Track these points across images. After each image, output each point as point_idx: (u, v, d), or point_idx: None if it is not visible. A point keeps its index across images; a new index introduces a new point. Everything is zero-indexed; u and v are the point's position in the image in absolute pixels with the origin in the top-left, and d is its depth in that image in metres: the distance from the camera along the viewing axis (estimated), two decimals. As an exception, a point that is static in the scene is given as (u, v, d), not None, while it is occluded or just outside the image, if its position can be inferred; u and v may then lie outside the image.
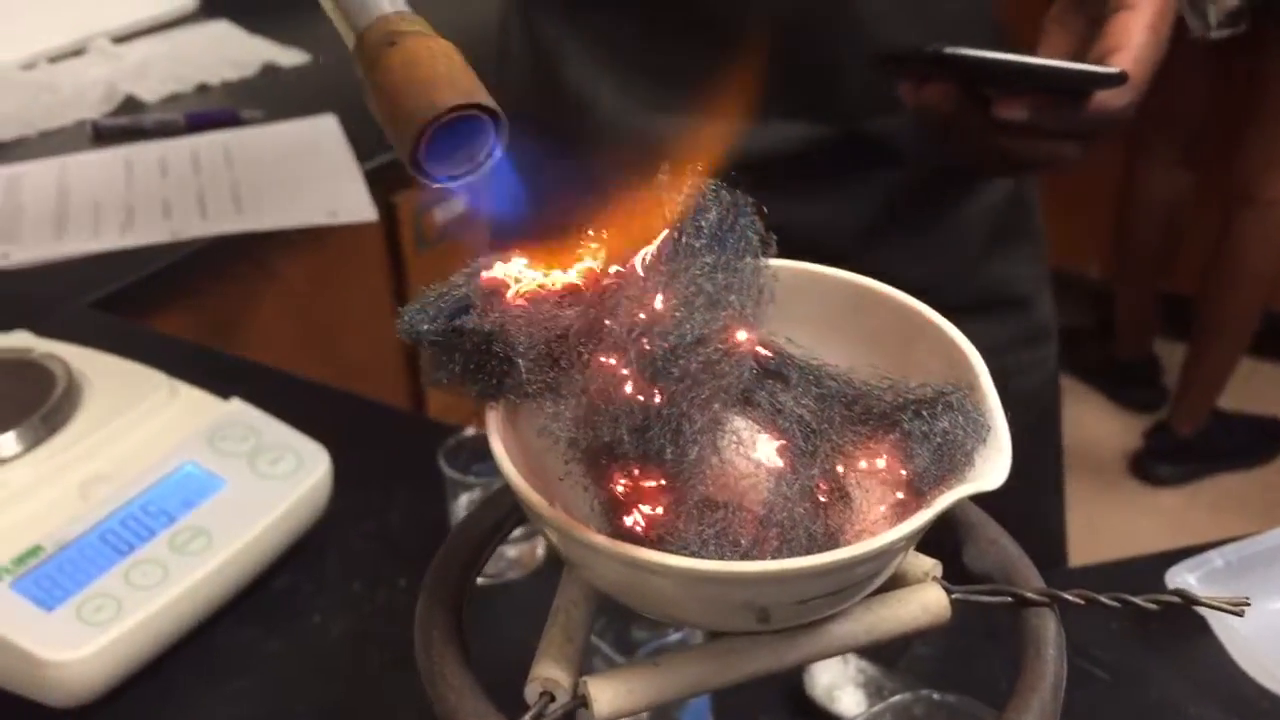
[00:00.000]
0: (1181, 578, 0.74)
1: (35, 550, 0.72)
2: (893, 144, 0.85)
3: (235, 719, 0.72)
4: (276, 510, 0.78)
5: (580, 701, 0.37)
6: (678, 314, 0.34)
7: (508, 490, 0.43)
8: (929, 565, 0.41)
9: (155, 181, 1.32)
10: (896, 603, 0.40)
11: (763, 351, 0.38)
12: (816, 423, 0.37)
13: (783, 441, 0.37)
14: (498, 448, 0.37)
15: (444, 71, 0.35)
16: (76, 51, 1.66)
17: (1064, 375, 2.84)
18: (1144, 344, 2.64)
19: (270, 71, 1.63)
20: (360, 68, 0.36)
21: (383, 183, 1.32)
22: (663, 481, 0.34)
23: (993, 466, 0.36)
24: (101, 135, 1.44)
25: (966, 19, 0.86)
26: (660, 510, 0.34)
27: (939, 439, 0.36)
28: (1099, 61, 0.69)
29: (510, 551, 0.80)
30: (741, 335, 0.35)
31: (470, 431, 0.82)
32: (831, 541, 0.36)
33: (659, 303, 0.34)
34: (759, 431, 0.37)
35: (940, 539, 0.41)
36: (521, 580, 0.80)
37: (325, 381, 1.03)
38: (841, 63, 0.81)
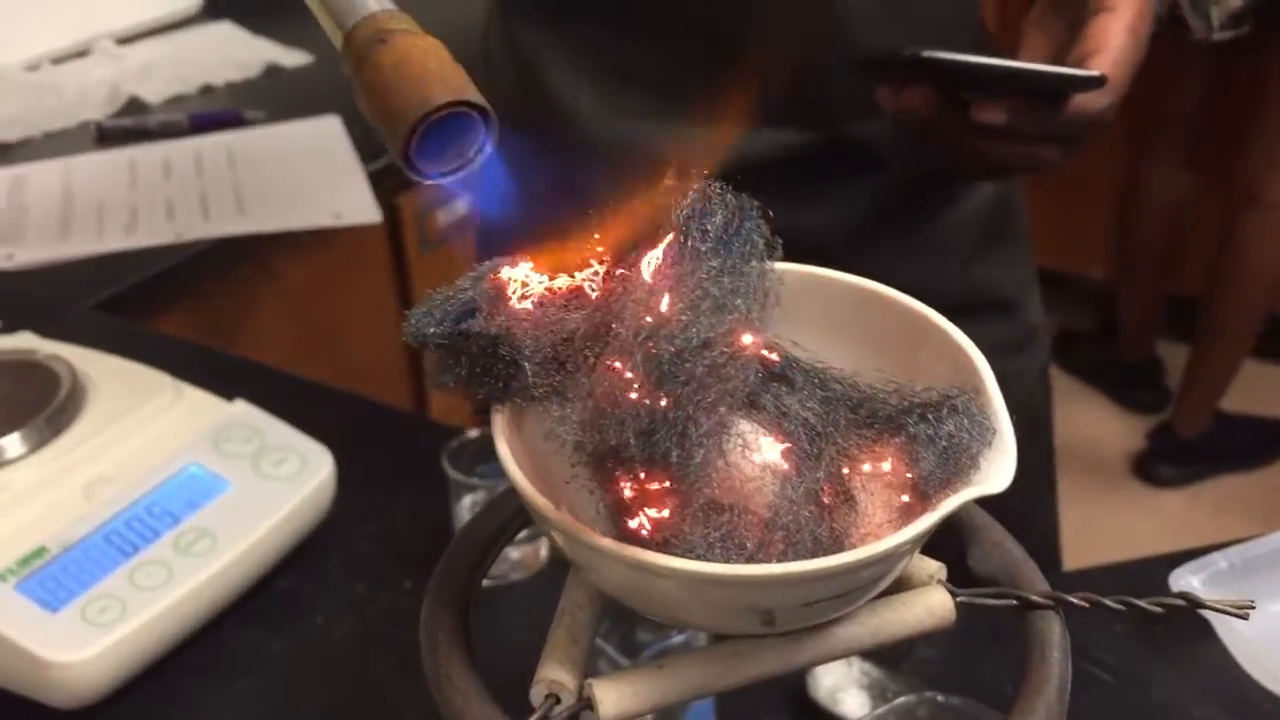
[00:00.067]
0: (1185, 580, 0.74)
1: (40, 551, 0.72)
2: (877, 149, 0.85)
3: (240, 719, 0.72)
4: (280, 512, 0.78)
5: (585, 704, 0.37)
6: (684, 318, 0.34)
7: (512, 493, 0.43)
8: (934, 568, 0.41)
9: (159, 183, 1.32)
10: (902, 605, 0.40)
11: (768, 355, 0.39)
12: (822, 426, 0.37)
13: (788, 445, 0.37)
14: (504, 451, 0.37)
15: (434, 69, 0.35)
16: (80, 53, 1.66)
17: (1066, 376, 2.85)
18: (1147, 345, 2.64)
19: (273, 72, 1.63)
20: (349, 66, 0.37)
21: (386, 184, 1.32)
22: (668, 484, 0.34)
23: (998, 469, 0.36)
24: (105, 136, 1.44)
25: (951, 23, 0.86)
26: (666, 513, 0.34)
27: (944, 442, 0.36)
28: (1078, 64, 0.69)
29: (514, 553, 0.80)
30: (747, 339, 0.35)
31: (473, 433, 0.82)
32: (837, 545, 0.36)
33: (665, 306, 0.35)
34: (764, 435, 0.37)
35: (945, 542, 0.41)
36: (525, 581, 0.80)
37: (328, 383, 1.04)
38: (825, 68, 0.81)
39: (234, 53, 1.67)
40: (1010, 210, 0.94)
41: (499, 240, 0.39)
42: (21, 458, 0.77)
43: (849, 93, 0.79)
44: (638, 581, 0.36)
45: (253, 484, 0.79)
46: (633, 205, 0.37)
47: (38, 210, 1.28)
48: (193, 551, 0.74)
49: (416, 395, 1.49)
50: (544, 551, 0.81)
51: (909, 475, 0.36)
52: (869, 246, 0.84)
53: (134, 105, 1.54)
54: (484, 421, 0.83)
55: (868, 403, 0.38)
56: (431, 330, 0.37)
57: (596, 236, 0.38)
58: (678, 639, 0.67)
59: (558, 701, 0.38)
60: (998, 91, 0.68)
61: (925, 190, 0.88)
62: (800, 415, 0.37)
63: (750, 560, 0.34)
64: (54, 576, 0.71)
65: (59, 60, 1.64)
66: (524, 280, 0.38)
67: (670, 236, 0.36)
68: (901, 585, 0.41)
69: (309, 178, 1.35)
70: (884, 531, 0.36)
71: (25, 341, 0.88)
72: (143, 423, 0.80)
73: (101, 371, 0.84)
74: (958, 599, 0.41)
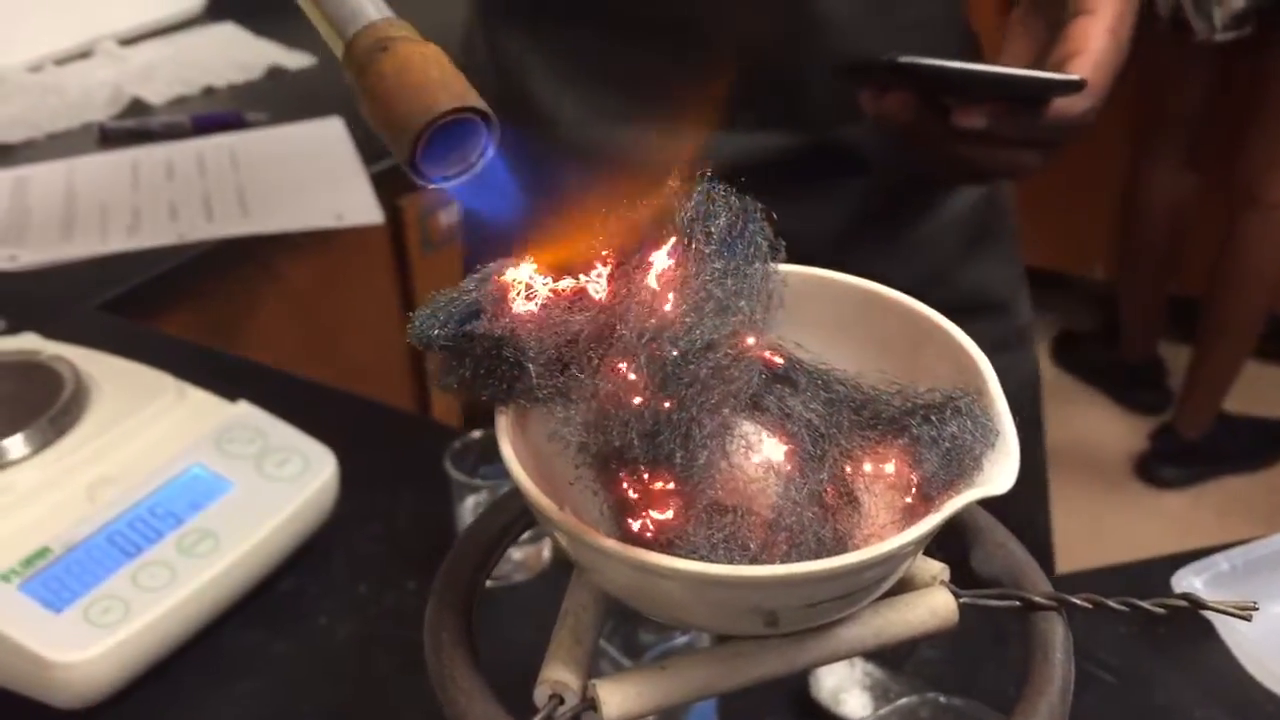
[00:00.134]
0: (1188, 581, 0.74)
1: (43, 552, 0.72)
2: (862, 152, 0.84)
3: (242, 721, 0.72)
4: (283, 512, 0.78)
5: (589, 704, 0.37)
6: (688, 319, 0.34)
7: (515, 494, 0.43)
8: (937, 569, 0.41)
9: (161, 184, 1.33)
10: (905, 606, 0.40)
11: (771, 357, 0.39)
12: (825, 427, 0.38)
13: (791, 446, 0.37)
14: (508, 452, 0.37)
15: (437, 76, 0.35)
16: (83, 54, 1.66)
17: (1068, 377, 2.85)
18: (1149, 346, 2.64)
19: (276, 74, 1.63)
20: (350, 74, 0.37)
21: (388, 185, 1.32)
22: (672, 486, 0.34)
23: (1001, 471, 0.36)
24: (108, 138, 1.44)
25: (935, 25, 0.85)
26: (669, 514, 0.34)
27: (947, 444, 0.36)
28: (1058, 67, 0.69)
29: (517, 554, 0.80)
30: (751, 340, 0.35)
31: (476, 434, 0.82)
32: (840, 546, 0.36)
33: (669, 308, 0.35)
34: (768, 436, 0.37)
35: (948, 543, 0.41)
36: (528, 583, 0.80)
37: (331, 384, 1.04)
38: (808, 72, 0.80)
39: (236, 54, 1.67)
40: (997, 211, 0.94)
41: (487, 242, 0.40)
42: (25, 458, 0.77)
43: (833, 96, 0.79)
44: (641, 582, 0.36)
45: (256, 485, 0.79)
46: (619, 209, 0.37)
47: (41, 211, 1.28)
48: (196, 552, 0.75)
49: (419, 396, 1.49)
50: (547, 552, 0.81)
51: (912, 476, 0.37)
52: (855, 249, 0.84)
53: (137, 106, 1.54)
54: (472, 429, 0.83)
55: (871, 404, 0.38)
56: (436, 332, 0.37)
57: (596, 238, 0.38)
58: (681, 640, 0.67)
59: (561, 702, 0.38)
60: (977, 96, 0.68)
61: (911, 193, 0.88)
62: (804, 417, 0.37)
63: (754, 561, 0.34)
64: (57, 577, 0.71)
65: (62, 61, 1.64)
66: (528, 282, 0.38)
67: (674, 238, 0.36)
68: (904, 586, 0.41)
69: (311, 179, 1.35)
70: (887, 533, 0.36)
71: (29, 342, 0.88)
72: (146, 423, 0.81)
73: (105, 372, 0.84)
74: (961, 600, 0.41)
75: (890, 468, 0.37)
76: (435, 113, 0.34)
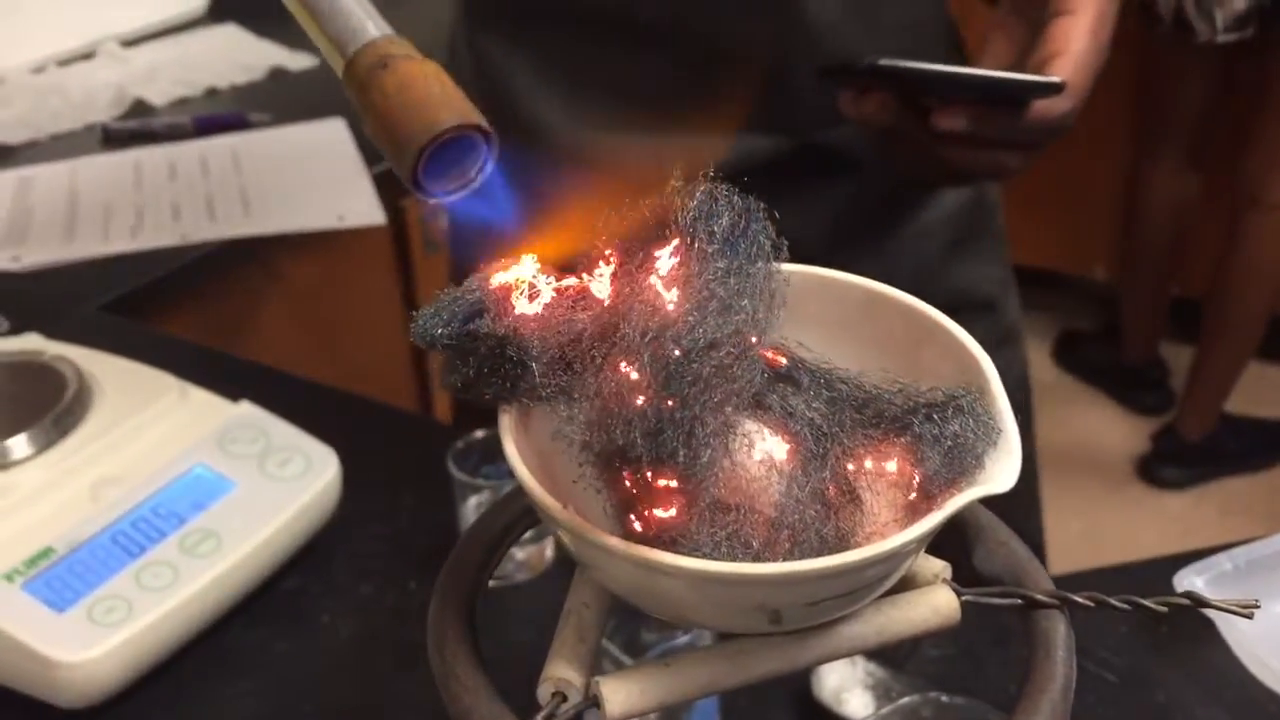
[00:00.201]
0: (1190, 581, 0.74)
1: (46, 552, 0.72)
2: (849, 154, 0.84)
3: (245, 719, 0.73)
4: (286, 512, 0.78)
5: (592, 701, 0.37)
6: (690, 318, 0.34)
7: (518, 493, 0.44)
8: (939, 567, 0.41)
9: (164, 184, 1.33)
10: (907, 604, 0.40)
11: (774, 356, 0.39)
12: (827, 426, 0.38)
13: (794, 444, 0.37)
14: (511, 450, 0.37)
15: (438, 93, 0.36)
16: (86, 55, 1.67)
17: (1070, 378, 2.85)
18: (1151, 347, 2.64)
19: (279, 75, 1.63)
20: (351, 91, 0.37)
21: (391, 186, 1.32)
22: (675, 484, 0.34)
23: (1003, 469, 0.36)
24: (111, 138, 1.44)
25: (921, 26, 0.85)
26: (672, 512, 0.34)
27: (950, 442, 0.36)
28: (1039, 68, 0.69)
29: (519, 554, 0.80)
30: (753, 339, 0.35)
31: (479, 434, 0.82)
32: (843, 544, 0.36)
33: (672, 307, 0.35)
34: (770, 435, 0.37)
35: (950, 541, 0.41)
36: (530, 582, 0.80)
37: (333, 384, 1.04)
38: (795, 75, 0.80)
39: (239, 55, 1.67)
40: (984, 211, 0.94)
41: (470, 246, 0.40)
42: (28, 459, 0.77)
43: (819, 99, 0.79)
44: (644, 580, 0.36)
45: (258, 485, 0.79)
46: (605, 213, 0.38)
47: (44, 212, 1.28)
48: (198, 552, 0.75)
49: (421, 396, 1.49)
50: (549, 552, 0.81)
51: (914, 475, 0.37)
52: (843, 250, 0.84)
53: (139, 108, 1.54)
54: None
55: (873, 403, 0.39)
56: (439, 331, 0.38)
57: (592, 238, 0.38)
58: (683, 639, 0.67)
59: (564, 699, 0.38)
60: (957, 98, 0.68)
61: (898, 194, 0.88)
62: (806, 415, 0.38)
63: (756, 559, 0.35)
64: (60, 577, 0.71)
65: (65, 63, 1.64)
66: (531, 282, 0.38)
67: (677, 238, 0.36)
68: (907, 584, 0.41)
69: (313, 180, 1.35)
70: (889, 531, 0.36)
71: (31, 343, 0.88)
72: (149, 424, 0.81)
73: (107, 373, 0.84)
74: (963, 598, 0.41)
75: (892, 466, 0.37)
76: (437, 130, 0.35)
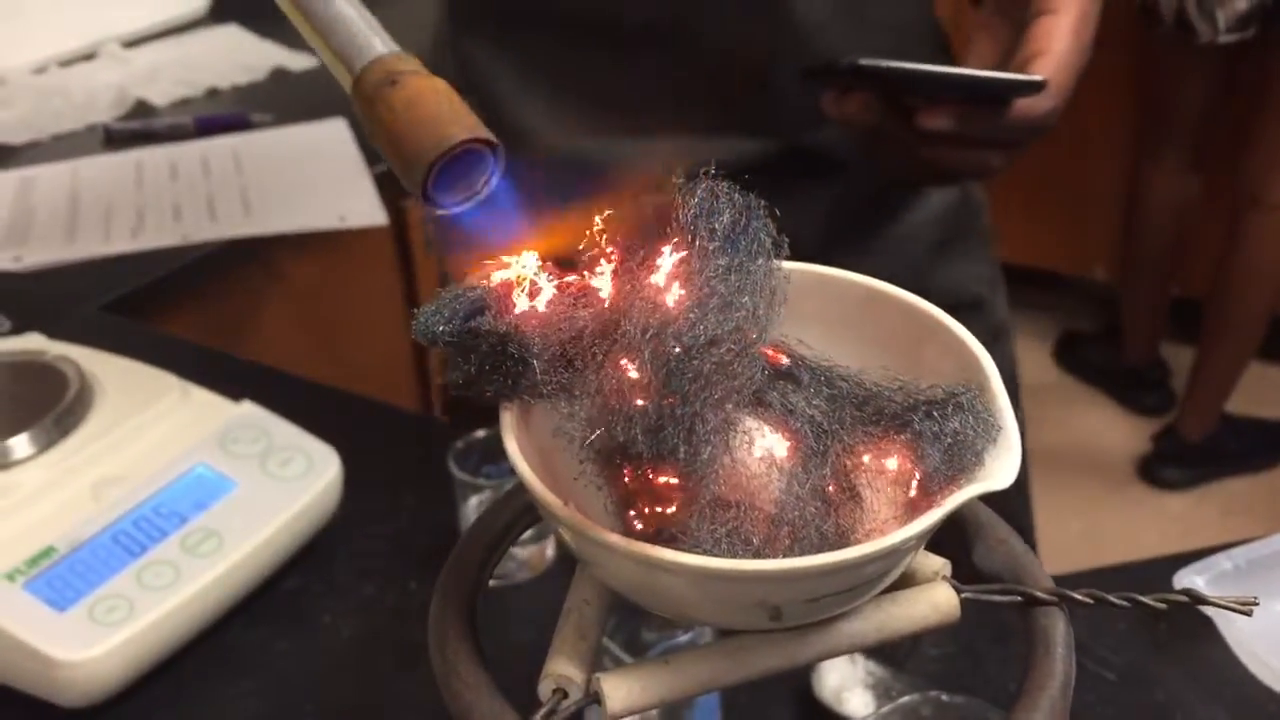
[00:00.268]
0: (1189, 580, 0.74)
1: (48, 551, 0.72)
2: (836, 155, 0.84)
3: (246, 719, 0.73)
4: (287, 512, 0.78)
5: (593, 698, 0.38)
6: (691, 315, 0.34)
7: (519, 492, 0.44)
8: (939, 564, 0.42)
9: (165, 185, 1.33)
10: (906, 601, 0.41)
11: (775, 353, 0.39)
12: (828, 423, 0.38)
13: (794, 442, 0.37)
14: (512, 447, 0.37)
15: (447, 108, 0.37)
16: (87, 56, 1.67)
17: (1070, 378, 2.84)
18: (1151, 348, 2.64)
19: (280, 75, 1.63)
20: (359, 107, 0.38)
21: (392, 187, 1.32)
22: (676, 481, 0.34)
23: (1002, 466, 0.36)
24: (112, 139, 1.44)
25: (908, 28, 0.86)
26: (673, 509, 0.35)
27: (949, 439, 0.36)
28: (1021, 67, 0.69)
29: (520, 553, 0.80)
30: (754, 336, 0.35)
31: (480, 434, 0.82)
32: (842, 540, 0.36)
33: (672, 304, 0.35)
34: (771, 432, 0.37)
35: (950, 538, 0.41)
36: (531, 582, 0.80)
37: (334, 384, 1.04)
38: (782, 76, 0.80)
39: (240, 56, 1.67)
40: (970, 210, 0.94)
41: (456, 246, 0.40)
42: (30, 458, 0.77)
43: (805, 101, 0.79)
44: (645, 577, 0.36)
45: (260, 484, 0.79)
46: (592, 217, 0.38)
47: (45, 212, 1.28)
48: (200, 551, 0.75)
49: (422, 396, 1.49)
50: (550, 552, 0.81)
51: (914, 472, 0.37)
52: (831, 250, 0.84)
53: (141, 108, 1.54)
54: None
55: (873, 400, 0.39)
56: (441, 328, 0.38)
57: (589, 237, 0.38)
58: (683, 638, 0.67)
59: (565, 696, 0.38)
60: (940, 98, 0.68)
61: (885, 195, 0.88)
62: (806, 412, 0.38)
63: (757, 556, 0.35)
64: (62, 576, 0.71)
65: (66, 63, 1.65)
66: (532, 279, 0.38)
67: (678, 236, 0.37)
68: (906, 581, 0.41)
69: (315, 180, 1.35)
70: (889, 527, 0.36)
71: (33, 343, 0.88)
72: (150, 423, 0.81)
73: (109, 372, 0.84)
74: (962, 595, 0.41)
75: (892, 463, 0.37)
76: (447, 145, 0.36)
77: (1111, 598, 0.41)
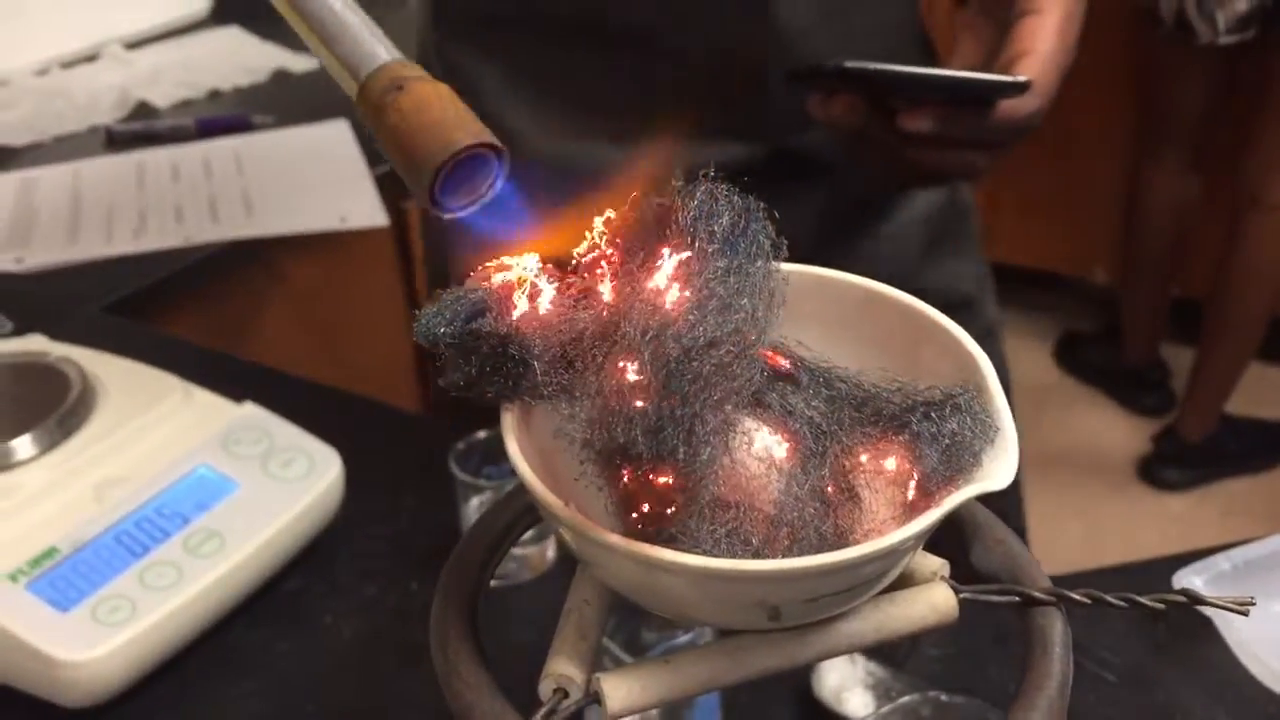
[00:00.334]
0: (1189, 580, 0.75)
1: (51, 552, 0.72)
2: (824, 158, 0.85)
3: (247, 719, 0.73)
4: (289, 512, 0.79)
5: (593, 698, 0.38)
6: (691, 317, 0.34)
7: (520, 492, 0.44)
8: (937, 565, 0.42)
9: (167, 186, 1.33)
10: (905, 602, 0.41)
11: (774, 355, 0.39)
12: (826, 424, 0.38)
13: (793, 443, 0.37)
14: (513, 448, 0.38)
15: (452, 114, 0.37)
16: (89, 58, 1.67)
17: (1070, 379, 2.84)
18: (1151, 348, 2.64)
19: (281, 77, 1.63)
20: (364, 114, 0.38)
21: (393, 188, 1.33)
22: (675, 481, 0.34)
23: (1000, 466, 0.37)
24: (114, 140, 1.45)
25: (893, 31, 0.86)
26: (673, 510, 0.35)
27: (947, 440, 0.37)
28: (1005, 68, 0.69)
29: (520, 554, 0.80)
30: (753, 338, 0.36)
31: (481, 435, 0.82)
32: (841, 541, 0.36)
33: (672, 306, 0.35)
34: (770, 433, 0.37)
35: (948, 539, 0.42)
36: (531, 582, 0.80)
37: (336, 385, 1.04)
38: (769, 80, 0.80)
39: (242, 57, 1.67)
40: (958, 211, 0.94)
41: (441, 250, 0.41)
42: (32, 459, 0.77)
43: (791, 104, 0.79)
44: (645, 577, 0.36)
45: (262, 485, 0.79)
46: (581, 220, 0.38)
47: (47, 214, 1.28)
48: (202, 552, 0.75)
49: (423, 397, 1.49)
50: (550, 552, 0.81)
51: (912, 472, 0.37)
52: (819, 253, 0.84)
53: (143, 110, 1.54)
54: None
55: (872, 401, 0.39)
56: (442, 330, 0.38)
57: (587, 239, 0.38)
58: (683, 638, 0.67)
59: (566, 695, 0.38)
60: (924, 99, 0.68)
61: (872, 197, 0.89)
62: (805, 414, 0.38)
63: (756, 556, 0.35)
64: (64, 576, 0.72)
65: (68, 65, 1.65)
66: (533, 281, 0.38)
67: (678, 237, 0.37)
68: (905, 582, 0.41)
69: (316, 181, 1.36)
70: (888, 528, 0.37)
71: (35, 344, 0.89)
72: (152, 424, 0.81)
73: (111, 373, 0.85)
74: (960, 595, 0.41)
75: (891, 464, 0.37)
76: (454, 149, 0.36)
77: (1109, 598, 0.41)
